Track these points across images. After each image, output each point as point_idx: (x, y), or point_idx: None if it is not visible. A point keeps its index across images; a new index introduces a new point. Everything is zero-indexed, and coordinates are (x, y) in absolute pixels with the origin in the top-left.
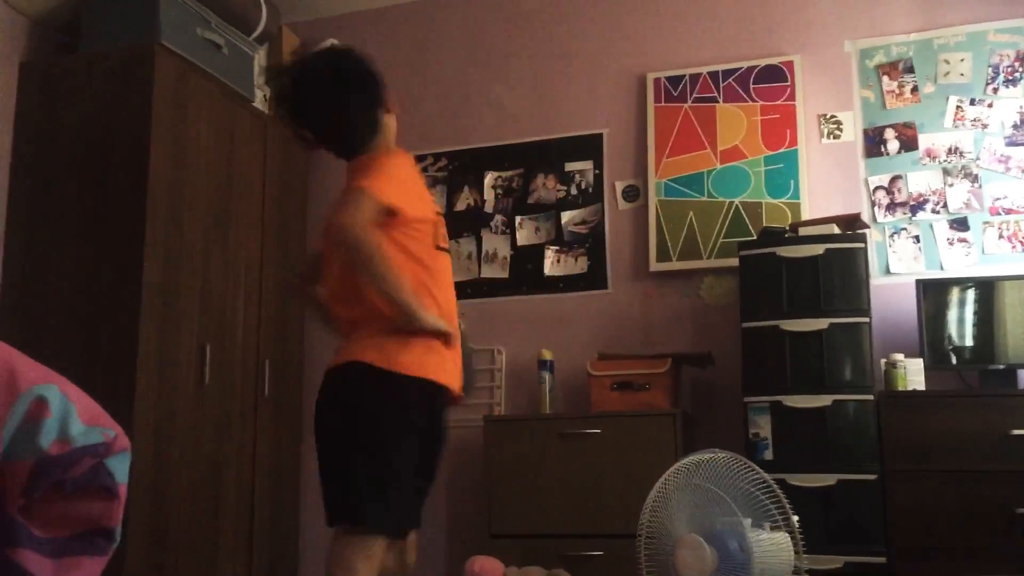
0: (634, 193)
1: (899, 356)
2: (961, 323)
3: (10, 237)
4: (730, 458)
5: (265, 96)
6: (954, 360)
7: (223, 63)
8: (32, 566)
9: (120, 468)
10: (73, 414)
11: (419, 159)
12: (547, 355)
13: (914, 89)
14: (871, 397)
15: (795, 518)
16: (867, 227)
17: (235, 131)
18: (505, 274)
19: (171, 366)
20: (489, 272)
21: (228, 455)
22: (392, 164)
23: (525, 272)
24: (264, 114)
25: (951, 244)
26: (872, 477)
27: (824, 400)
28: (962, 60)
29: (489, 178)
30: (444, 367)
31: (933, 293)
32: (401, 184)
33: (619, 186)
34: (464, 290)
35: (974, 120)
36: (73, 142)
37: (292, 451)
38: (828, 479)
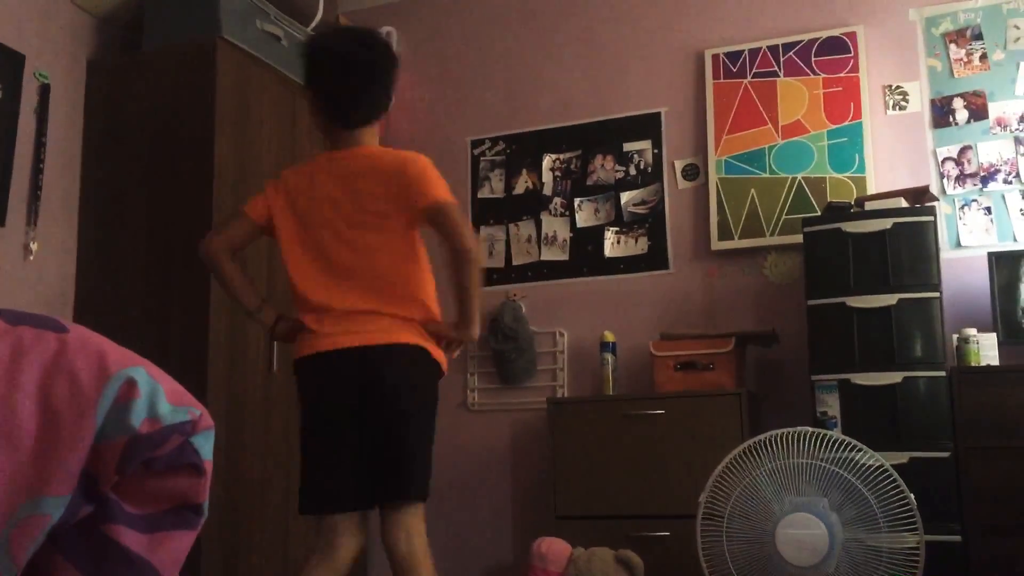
0: (694, 172)
1: (972, 331)
2: None
3: (83, 232)
4: (812, 434)
5: None
6: None
7: (283, 54)
8: (127, 540)
9: (205, 446)
10: (161, 394)
11: (476, 144)
12: (609, 337)
13: (983, 56)
14: (943, 373)
15: (910, 496)
16: (936, 200)
17: (296, 120)
18: (566, 256)
19: (241, 354)
20: (549, 255)
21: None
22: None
23: (585, 254)
24: None
25: None
26: (946, 455)
27: (894, 377)
28: None
29: (547, 161)
30: None
31: (1006, 265)
32: None
33: (678, 165)
34: (525, 273)
35: None
36: (140, 136)
37: None
38: (900, 457)
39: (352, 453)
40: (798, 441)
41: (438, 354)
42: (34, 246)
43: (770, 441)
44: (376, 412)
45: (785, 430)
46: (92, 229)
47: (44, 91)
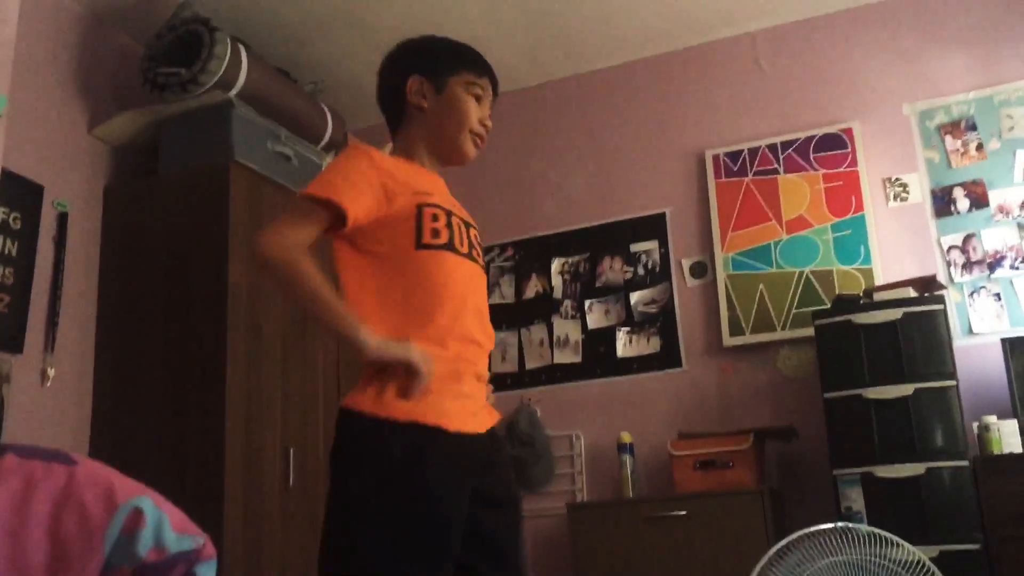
0: (701, 269)
1: (992, 418)
2: None
3: (99, 356)
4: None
5: None
6: None
7: (293, 173)
8: None
9: (208, 574)
10: (166, 523)
11: (486, 251)
12: (626, 438)
13: (979, 147)
14: (966, 463)
15: None
16: (944, 288)
17: None
18: (578, 358)
19: (257, 470)
20: (562, 358)
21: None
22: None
23: (598, 355)
24: None
25: None
26: (976, 547)
27: (917, 468)
28: None
29: (556, 264)
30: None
31: (1021, 351)
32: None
33: (686, 263)
34: (539, 376)
35: None
36: (156, 260)
37: None
38: (931, 551)
39: None
40: (832, 538)
41: (366, 403)
42: (51, 372)
43: (803, 539)
44: None
45: (819, 527)
46: (108, 352)
47: (62, 219)
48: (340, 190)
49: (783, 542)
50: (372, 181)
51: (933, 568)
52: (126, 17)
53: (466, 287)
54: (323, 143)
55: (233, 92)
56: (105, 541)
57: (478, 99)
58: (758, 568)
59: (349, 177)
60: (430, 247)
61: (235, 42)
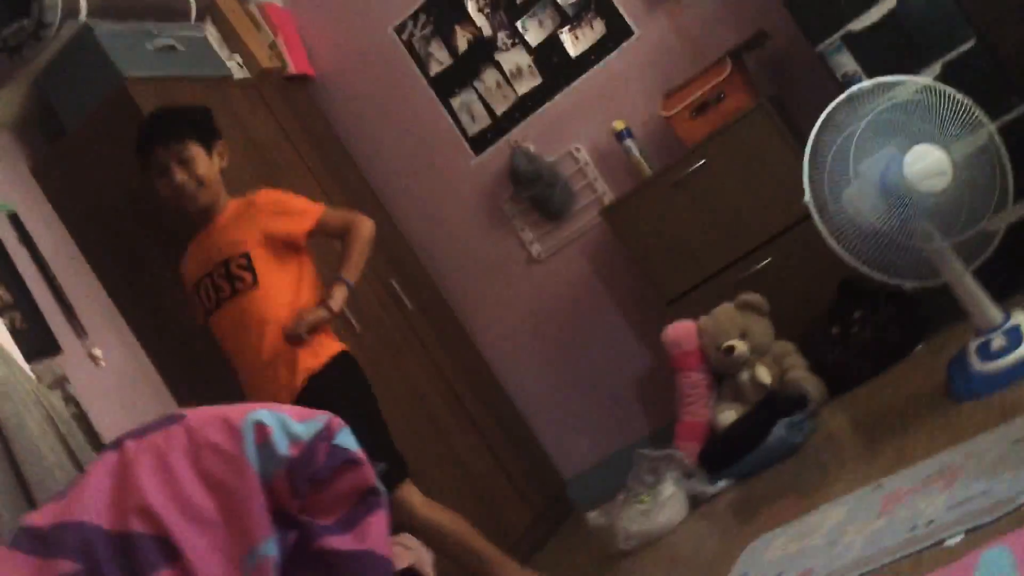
0: None
1: None
2: None
3: (123, 308)
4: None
5: (239, 62)
6: None
7: (187, 57)
8: (339, 544)
9: (348, 440)
10: (288, 420)
11: (400, 29)
12: (619, 125)
13: None
14: None
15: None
16: None
17: (236, 112)
18: (539, 79)
19: None
20: (524, 87)
21: (419, 377)
22: None
23: (555, 66)
24: (250, 77)
25: None
26: (971, 43)
27: (888, 4)
28: None
29: (471, 5)
30: None
31: None
32: None
33: None
34: (513, 116)
35: None
36: (118, 203)
37: (469, 350)
38: (934, 69)
39: None
40: (845, 111)
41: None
42: (97, 352)
43: (838, 107)
44: None
45: (846, 93)
46: (131, 305)
47: (15, 220)
48: None
49: (820, 118)
50: None
51: (940, 86)
52: None
53: None
54: (193, 15)
55: (83, 16)
56: (249, 460)
57: (162, 174)
58: (807, 156)
59: None
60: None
61: None
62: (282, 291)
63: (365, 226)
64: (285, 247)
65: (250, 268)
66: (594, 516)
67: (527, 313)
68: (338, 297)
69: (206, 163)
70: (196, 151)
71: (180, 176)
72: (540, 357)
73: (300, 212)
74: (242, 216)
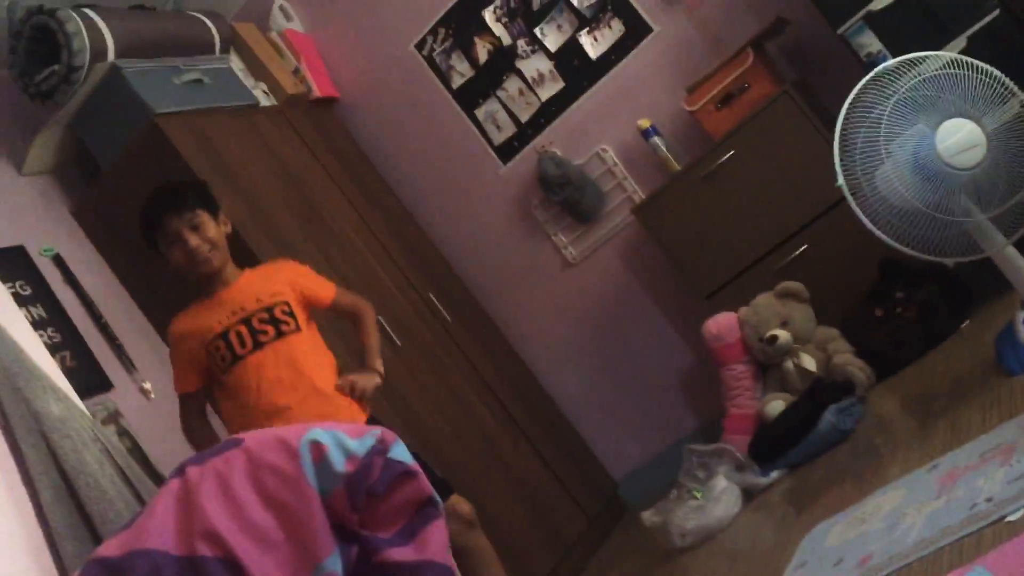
0: None
1: None
2: None
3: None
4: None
5: (264, 90)
6: None
7: (213, 89)
8: (400, 556)
9: (402, 453)
10: (343, 437)
11: (420, 45)
12: (645, 123)
13: None
14: None
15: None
16: None
17: (266, 139)
18: (561, 84)
19: None
20: (547, 92)
21: (463, 388)
22: None
23: (576, 69)
24: (277, 104)
25: None
26: (995, 14)
27: None
28: None
29: (488, 16)
30: None
31: None
32: None
33: None
34: (538, 122)
35: None
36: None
37: (511, 359)
38: (959, 43)
39: None
40: (881, 82)
41: None
42: (147, 385)
43: (865, 89)
44: None
45: (872, 73)
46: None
47: (59, 261)
48: None
49: (847, 101)
50: None
51: (967, 59)
52: None
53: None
54: (217, 48)
55: (111, 56)
56: (308, 478)
57: (174, 242)
58: (836, 141)
59: None
60: None
61: (79, 10)
62: (318, 344)
63: (372, 313)
64: (308, 310)
65: (292, 315)
66: (648, 515)
67: (566, 317)
68: (380, 367)
69: (215, 228)
70: (205, 217)
71: (194, 240)
72: (582, 360)
73: (324, 283)
74: (269, 276)
